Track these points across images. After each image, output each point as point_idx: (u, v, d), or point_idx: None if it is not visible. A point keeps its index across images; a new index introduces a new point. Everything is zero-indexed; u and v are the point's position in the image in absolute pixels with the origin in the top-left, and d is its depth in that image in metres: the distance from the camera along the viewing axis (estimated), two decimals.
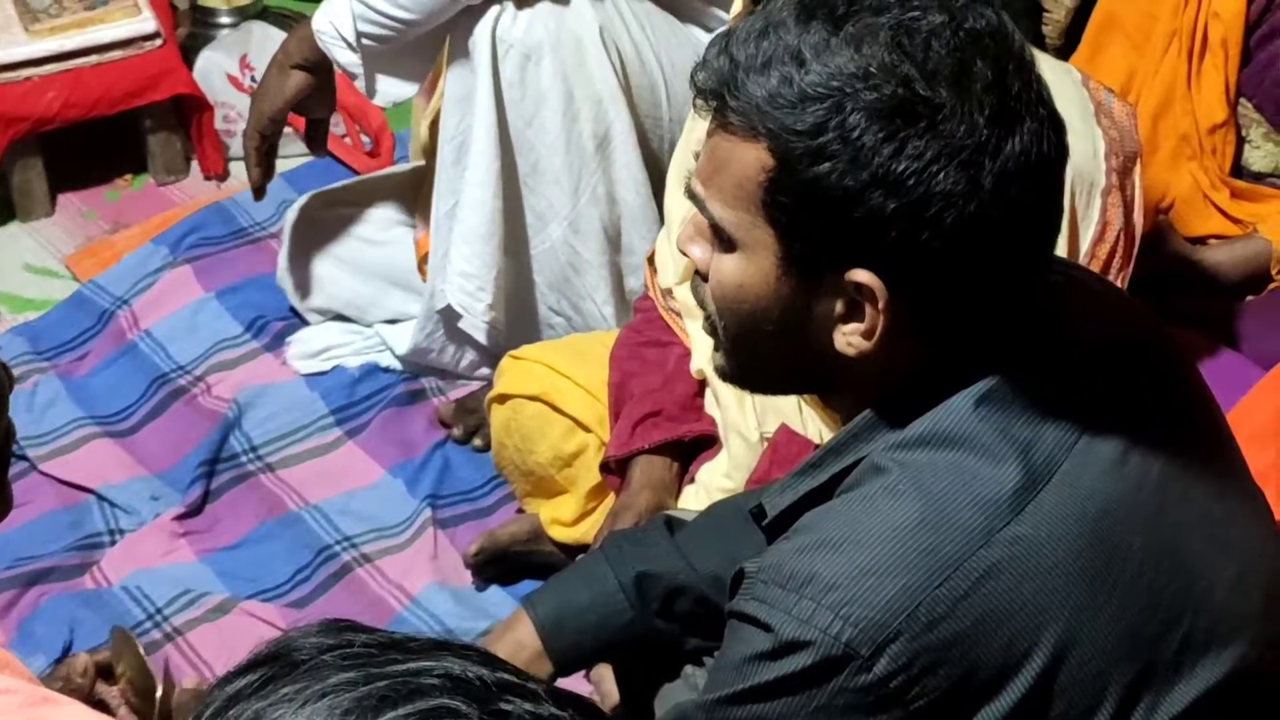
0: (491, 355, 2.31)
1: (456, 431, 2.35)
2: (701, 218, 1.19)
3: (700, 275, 1.22)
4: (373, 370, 2.45)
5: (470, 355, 2.38)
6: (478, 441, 2.31)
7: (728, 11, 2.27)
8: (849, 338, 1.15)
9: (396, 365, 2.46)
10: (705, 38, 2.24)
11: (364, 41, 2.11)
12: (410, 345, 2.38)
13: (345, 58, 2.14)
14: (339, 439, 2.36)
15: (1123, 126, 1.90)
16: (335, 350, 2.49)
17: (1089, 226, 1.84)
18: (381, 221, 2.50)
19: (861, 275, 1.12)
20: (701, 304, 1.23)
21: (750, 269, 1.16)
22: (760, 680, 1.14)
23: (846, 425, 1.21)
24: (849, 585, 1.11)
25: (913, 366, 1.17)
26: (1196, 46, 2.35)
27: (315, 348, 2.49)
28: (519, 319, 2.30)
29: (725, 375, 1.26)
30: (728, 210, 1.15)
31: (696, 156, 1.19)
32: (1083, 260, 1.85)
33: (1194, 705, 1.16)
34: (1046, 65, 1.87)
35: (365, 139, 2.95)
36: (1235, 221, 2.37)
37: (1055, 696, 1.13)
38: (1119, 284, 1.89)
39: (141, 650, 1.63)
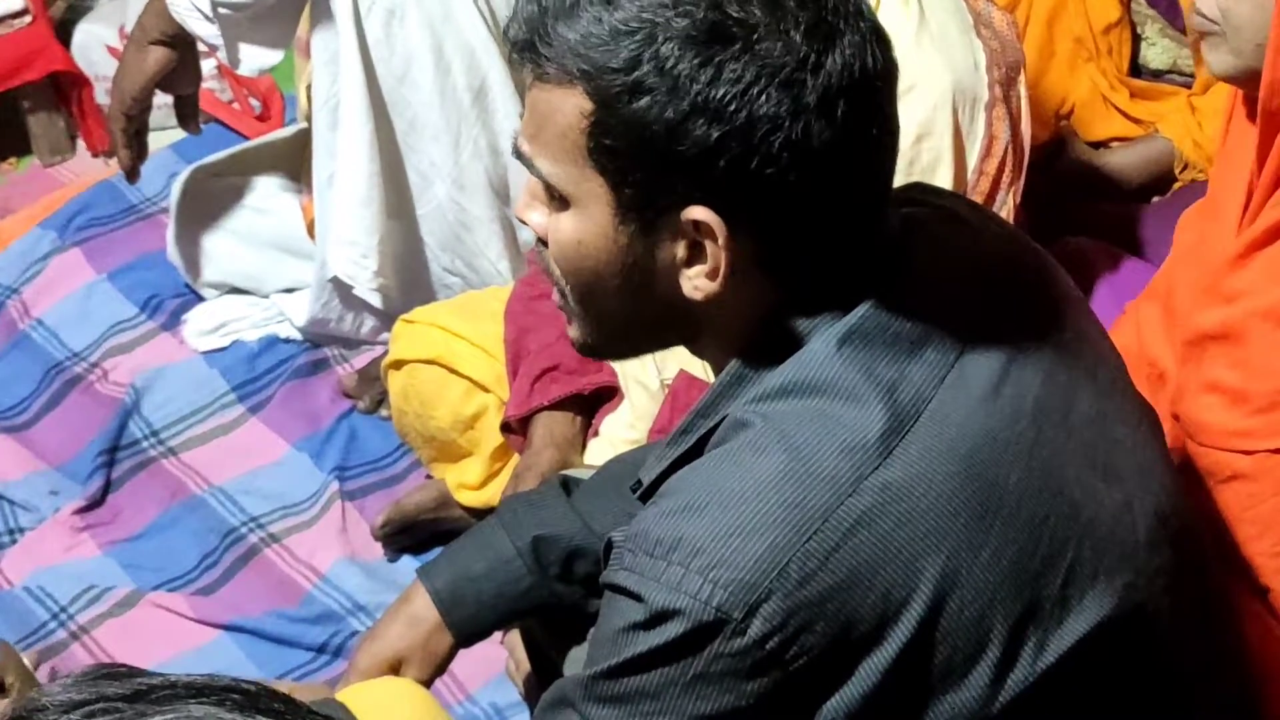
0: (391, 319, 2.25)
1: (362, 404, 2.30)
2: (535, 181, 1.14)
3: (542, 242, 1.17)
4: (273, 342, 2.40)
5: (370, 321, 2.32)
6: (384, 411, 2.26)
7: None
8: (694, 281, 1.11)
9: (297, 335, 2.40)
10: None
11: (220, 10, 2.04)
12: (308, 316, 2.32)
13: (203, 29, 2.07)
14: (241, 416, 2.31)
15: (1004, 37, 1.85)
16: (233, 324, 2.43)
17: (975, 142, 1.80)
18: (269, 189, 2.44)
19: (697, 212, 1.08)
20: (547, 271, 1.18)
21: (586, 224, 1.11)
22: (635, 652, 1.10)
23: (713, 384, 1.16)
24: (716, 547, 1.07)
25: (768, 307, 1.13)
26: None
27: (213, 323, 2.43)
28: (413, 281, 2.24)
29: (585, 348, 1.22)
30: (556, 165, 1.11)
31: None
32: (971, 176, 1.81)
33: (1083, 640, 1.13)
34: None
35: (254, 102, 2.88)
36: (1136, 122, 2.34)
37: (938, 643, 1.09)
38: (1012, 197, 1.85)
39: (25, 660, 1.58)
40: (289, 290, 2.43)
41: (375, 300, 2.23)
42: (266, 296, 2.44)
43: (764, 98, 1.04)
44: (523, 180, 2.10)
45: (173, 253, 2.45)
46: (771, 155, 1.05)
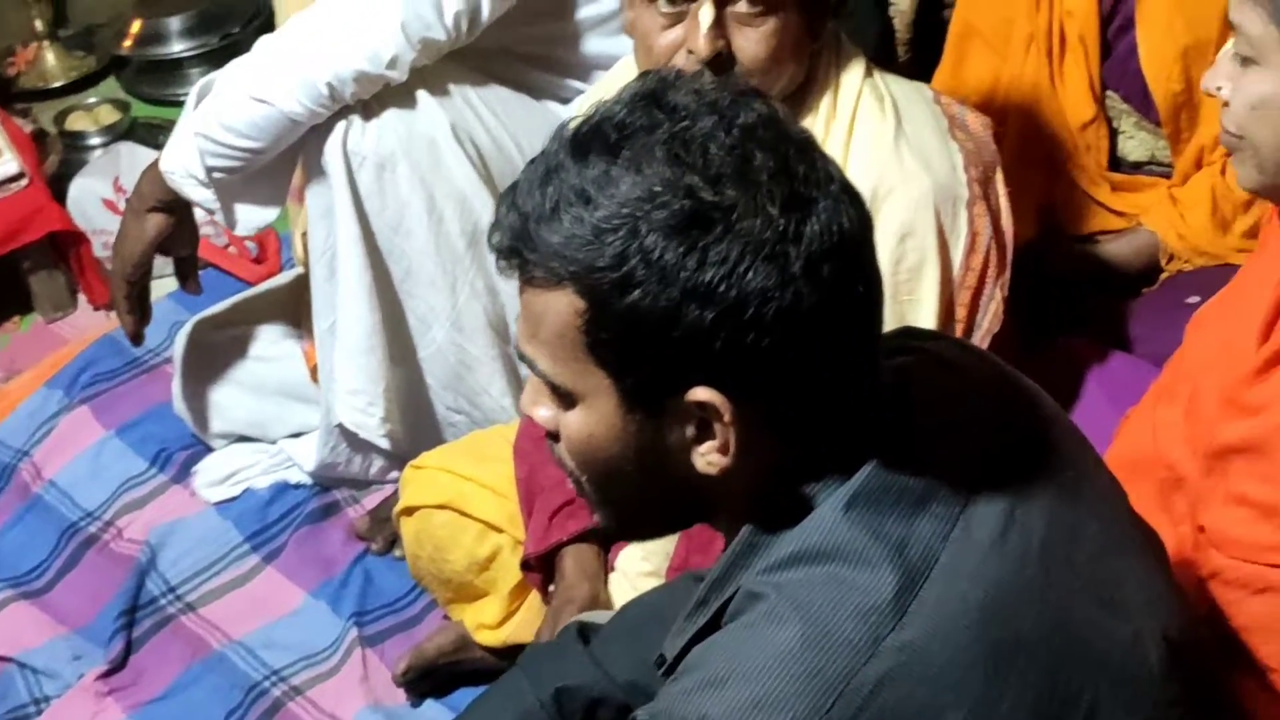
0: (400, 459, 2.28)
1: (376, 545, 2.32)
2: (538, 379, 1.17)
3: (551, 436, 1.20)
4: (283, 488, 2.42)
5: (379, 461, 2.35)
6: (398, 551, 2.28)
7: (584, 82, 2.25)
8: (707, 457, 1.14)
9: (307, 480, 2.42)
10: (562, 111, 2.22)
11: (215, 175, 2.08)
12: (316, 461, 2.35)
13: (198, 194, 2.11)
14: (257, 566, 2.33)
15: (979, 137, 1.90)
16: (243, 473, 2.45)
17: (958, 240, 1.85)
18: (271, 336, 2.47)
19: (701, 393, 1.11)
20: (560, 463, 1.21)
21: (594, 418, 1.15)
22: None
23: (724, 553, 1.19)
24: None
25: (776, 473, 1.15)
26: (1055, 46, 2.34)
27: (223, 473, 2.45)
28: (419, 421, 2.26)
29: (608, 533, 1.26)
30: (557, 364, 1.14)
31: None
32: (957, 273, 1.85)
33: None
34: (897, 86, 1.89)
35: (250, 245, 2.91)
36: (1119, 215, 2.37)
37: None
38: (999, 290, 1.89)
39: None
40: (296, 435, 2.45)
41: (384, 443, 2.25)
42: (274, 443, 2.47)
43: (751, 274, 1.07)
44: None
45: (180, 406, 2.48)
46: (765, 327, 1.08)
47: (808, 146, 1.13)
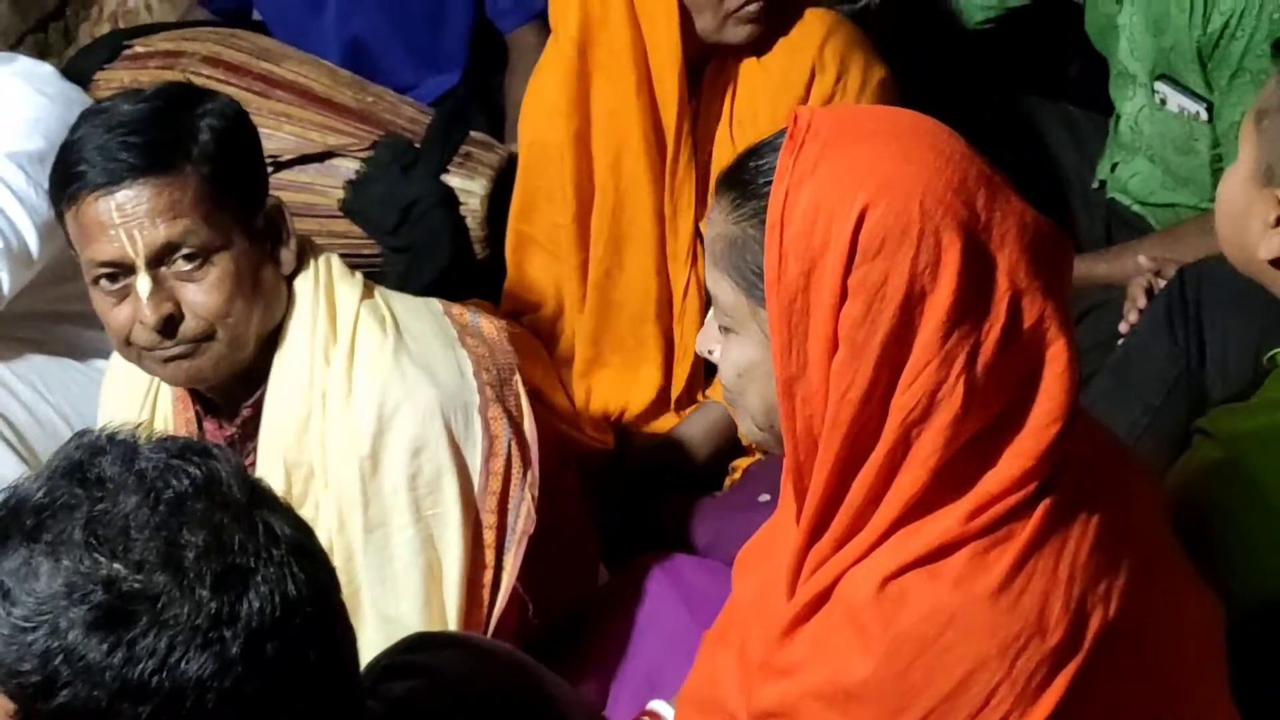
0: None
1: None
2: None
3: None
4: None
5: None
6: None
7: None
8: None
9: None
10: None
11: None
12: None
13: None
14: None
15: (492, 341, 1.90)
16: None
17: (474, 446, 1.82)
18: None
19: None
20: None
21: None
22: None
23: None
24: None
25: None
26: None
27: None
28: None
29: None
30: None
31: None
32: (478, 480, 1.82)
33: None
34: (399, 303, 1.88)
35: None
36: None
37: None
38: (528, 491, 1.85)
39: None
40: None
41: None
42: None
43: (185, 664, 1.01)
44: None
45: None
46: (209, 713, 1.01)
47: (250, 509, 1.06)
